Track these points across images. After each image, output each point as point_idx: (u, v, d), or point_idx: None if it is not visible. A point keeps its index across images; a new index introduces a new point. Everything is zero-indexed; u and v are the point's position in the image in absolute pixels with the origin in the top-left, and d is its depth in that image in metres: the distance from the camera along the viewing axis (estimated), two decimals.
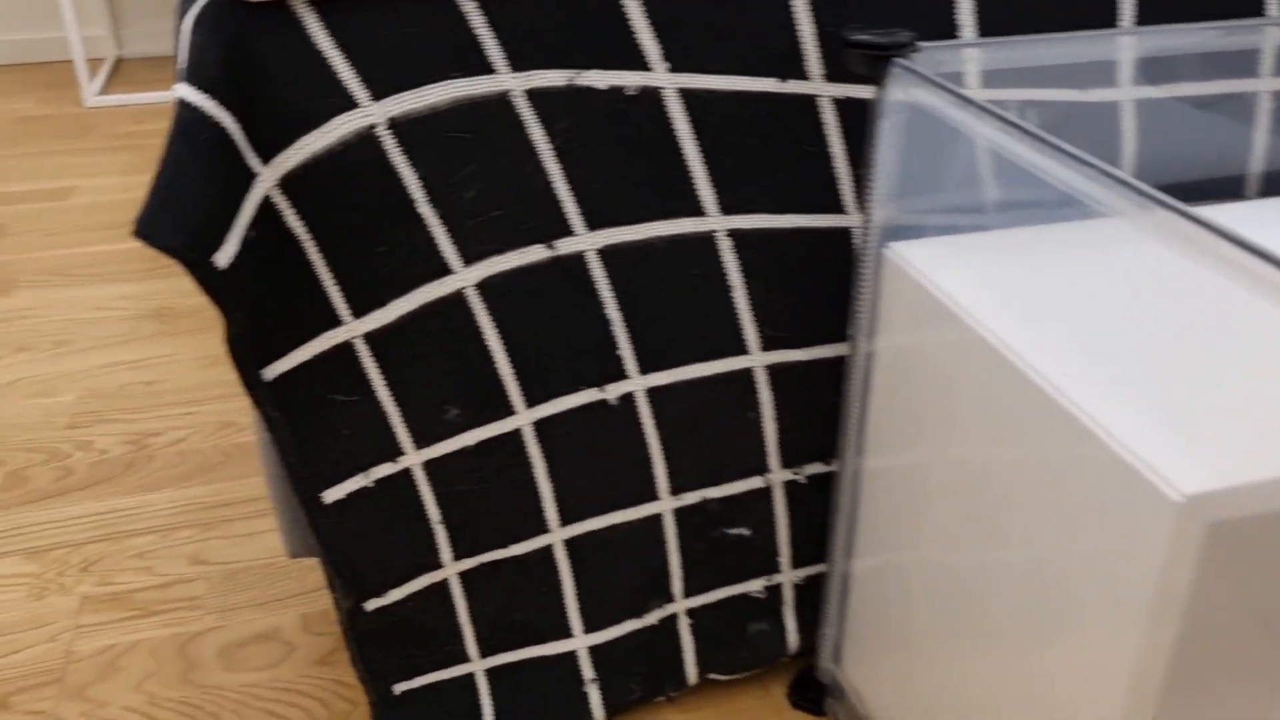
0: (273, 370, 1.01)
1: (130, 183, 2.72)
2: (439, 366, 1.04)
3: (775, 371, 1.12)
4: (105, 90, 3.31)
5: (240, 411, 1.84)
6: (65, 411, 1.85)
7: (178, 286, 2.23)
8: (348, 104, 0.93)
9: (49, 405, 1.86)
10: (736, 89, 1.00)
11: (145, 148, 2.93)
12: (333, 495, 1.08)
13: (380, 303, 1.00)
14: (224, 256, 0.90)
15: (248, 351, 0.98)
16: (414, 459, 1.08)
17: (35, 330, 2.09)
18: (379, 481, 1.08)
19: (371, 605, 1.14)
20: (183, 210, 0.87)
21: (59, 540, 1.57)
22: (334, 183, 0.95)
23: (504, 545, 1.15)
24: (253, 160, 0.93)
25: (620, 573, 1.18)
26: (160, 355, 2.00)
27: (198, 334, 2.06)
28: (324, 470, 1.07)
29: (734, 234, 1.05)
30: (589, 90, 0.98)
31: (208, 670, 1.36)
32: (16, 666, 1.37)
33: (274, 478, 1.13)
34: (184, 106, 0.88)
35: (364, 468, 1.07)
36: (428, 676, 1.18)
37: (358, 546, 1.10)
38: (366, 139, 0.94)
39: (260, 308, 0.97)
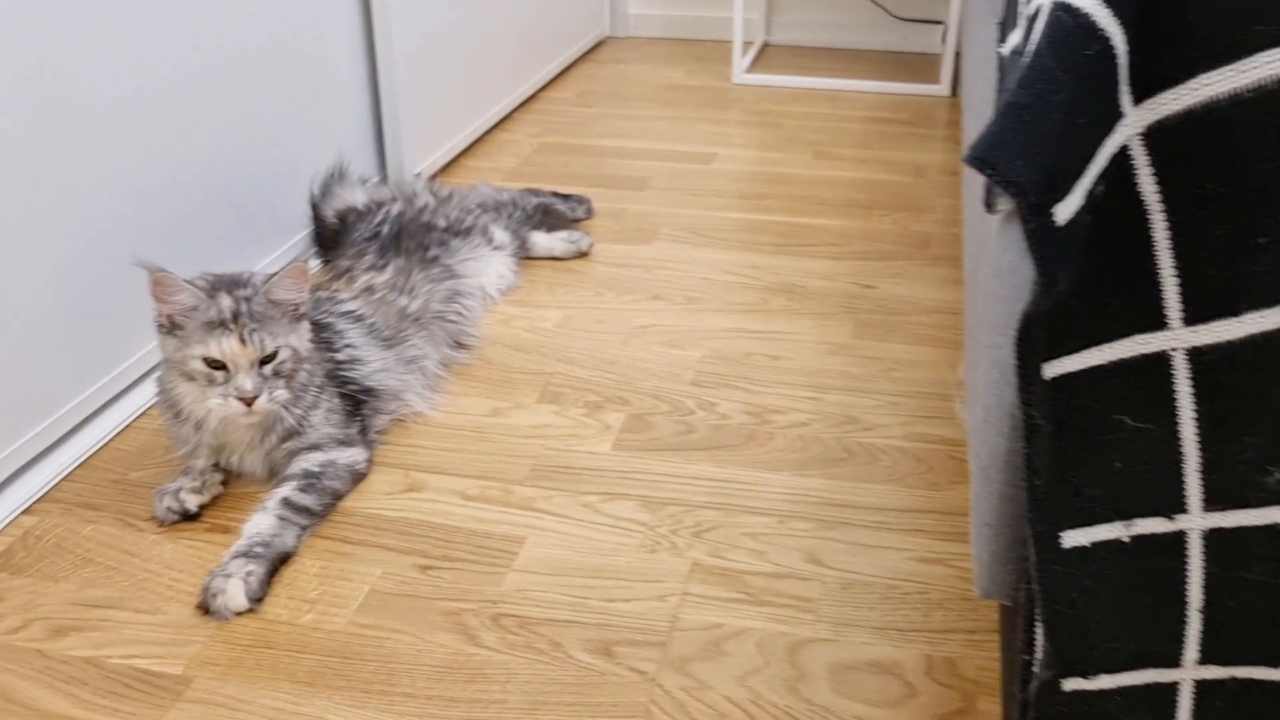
0: (1056, 367, 0.80)
1: (764, 157, 2.70)
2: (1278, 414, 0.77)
3: None
4: (750, 69, 3.36)
5: (865, 409, 1.68)
6: (690, 367, 1.80)
7: (806, 266, 2.14)
8: None
9: (676, 357, 1.83)
10: None
11: (780, 126, 2.91)
12: (1074, 539, 0.85)
13: (1230, 311, 0.75)
14: (1065, 210, 0.70)
15: (1038, 336, 0.78)
16: (1196, 522, 0.82)
17: (670, 282, 2.08)
18: (1138, 539, 0.84)
19: (1070, 685, 0.90)
20: (1038, 139, 0.67)
21: (675, 496, 1.50)
22: (1220, 142, 0.71)
23: (1273, 664, 0.86)
24: (1124, 96, 0.71)
25: None
26: (785, 331, 1.91)
27: (823, 318, 1.94)
28: (1074, 506, 0.84)
29: None
30: None
31: (816, 686, 1.20)
32: (625, 616, 1.30)
33: (992, 495, 0.92)
34: (1066, 11, 0.69)
35: (1126, 516, 0.83)
36: None
37: (1086, 610, 0.87)
38: None
39: (1073, 285, 0.76)
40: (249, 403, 1.40)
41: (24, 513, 1.49)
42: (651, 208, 2.41)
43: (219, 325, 1.39)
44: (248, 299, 1.42)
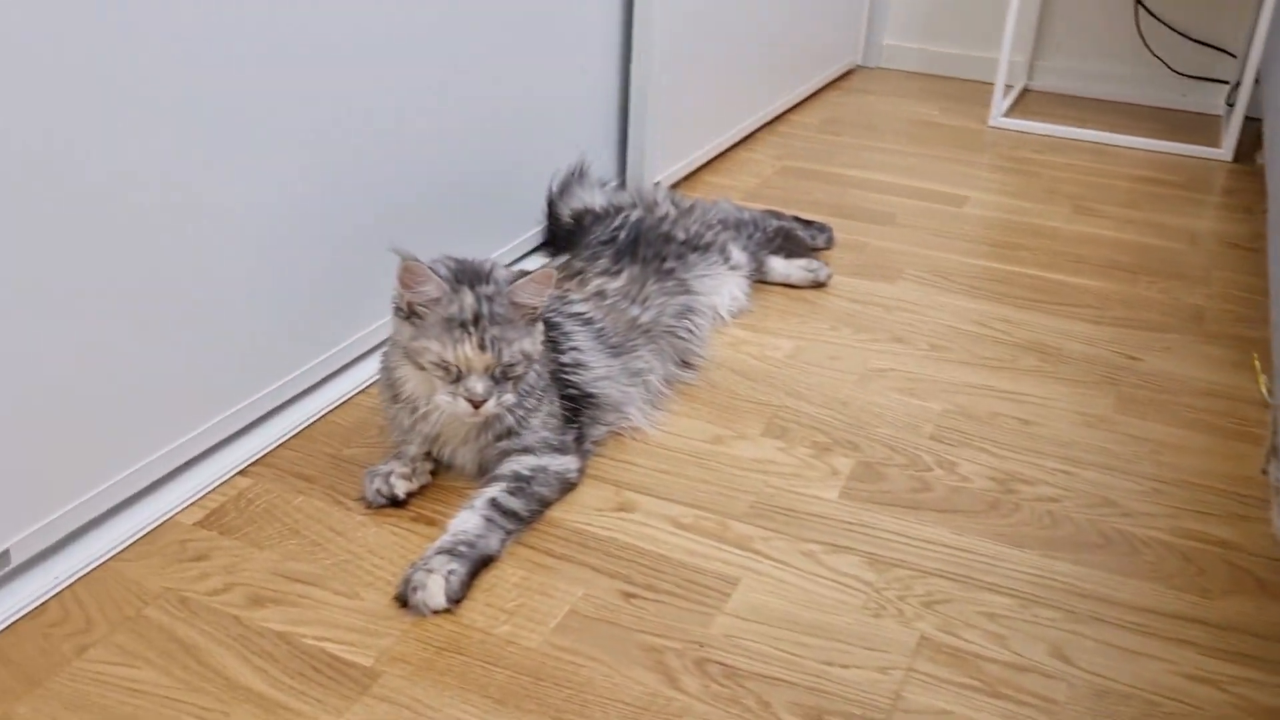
0: None
1: (1019, 206, 2.52)
2: None
3: None
4: (1009, 113, 3.17)
5: (1126, 492, 1.50)
6: (931, 420, 1.66)
7: (1061, 327, 1.96)
8: None
9: (915, 408, 1.69)
10: None
11: (1037, 175, 2.72)
12: None
13: None
14: None
15: None
16: None
17: (912, 326, 1.94)
18: None
19: None
20: None
21: (904, 558, 1.36)
22: None
23: None
24: None
25: None
26: (1037, 395, 1.74)
27: (1080, 386, 1.76)
28: None
29: None
30: None
31: None
32: (842, 684, 1.17)
33: None
34: None
35: None
36: None
37: None
38: None
39: None
40: (477, 405, 1.35)
41: (240, 473, 1.48)
42: (896, 245, 2.28)
43: (458, 325, 1.34)
44: (489, 298, 1.36)
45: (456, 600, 1.26)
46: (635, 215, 1.94)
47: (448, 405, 1.35)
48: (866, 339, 1.89)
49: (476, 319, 1.34)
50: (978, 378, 1.78)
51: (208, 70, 1.34)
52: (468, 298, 1.35)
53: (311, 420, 1.60)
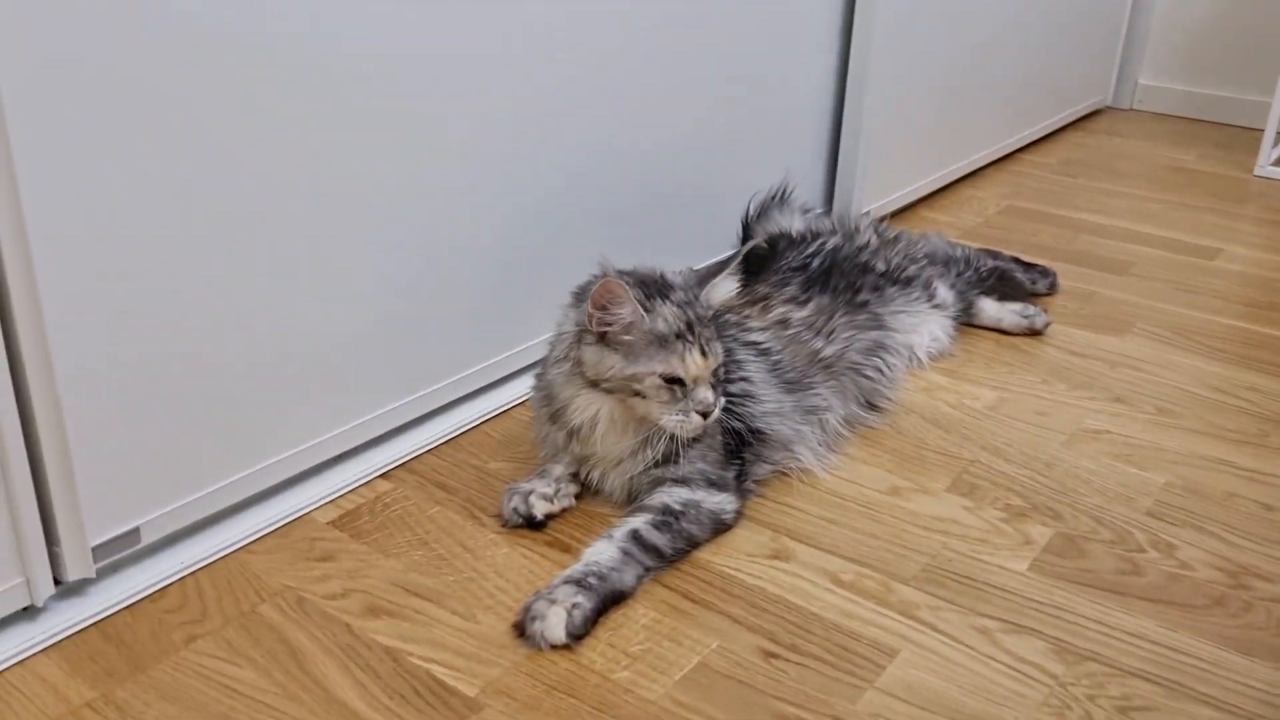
0: None
1: None
2: None
3: None
4: (1278, 163, 2.83)
5: None
6: (1150, 493, 1.43)
7: None
8: None
9: (1132, 478, 1.46)
10: None
11: None
12: None
13: None
14: None
15: None
16: None
17: (1138, 386, 1.71)
18: None
19: None
20: None
21: (1100, 651, 1.16)
22: None
23: None
24: None
25: None
26: None
27: None
28: None
29: None
30: None
31: None
32: None
33: None
34: None
35: None
36: None
37: None
38: None
39: None
40: (707, 416, 1.26)
41: (382, 475, 1.42)
42: (1129, 296, 2.03)
43: (677, 338, 1.26)
44: (689, 304, 1.29)
45: (577, 636, 1.14)
46: (832, 243, 1.80)
47: (680, 424, 1.27)
48: (1082, 396, 1.67)
49: (690, 327, 1.26)
50: (1213, 450, 1.53)
51: (418, 86, 1.30)
52: (670, 309, 1.27)
53: (462, 429, 1.53)
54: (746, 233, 2.00)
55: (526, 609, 1.16)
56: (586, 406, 1.31)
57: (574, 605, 1.15)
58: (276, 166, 1.23)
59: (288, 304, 1.28)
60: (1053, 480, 1.45)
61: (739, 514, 1.35)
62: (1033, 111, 2.89)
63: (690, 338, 1.26)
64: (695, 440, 1.32)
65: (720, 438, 1.36)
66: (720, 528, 1.32)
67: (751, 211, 1.99)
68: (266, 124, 1.20)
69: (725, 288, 1.35)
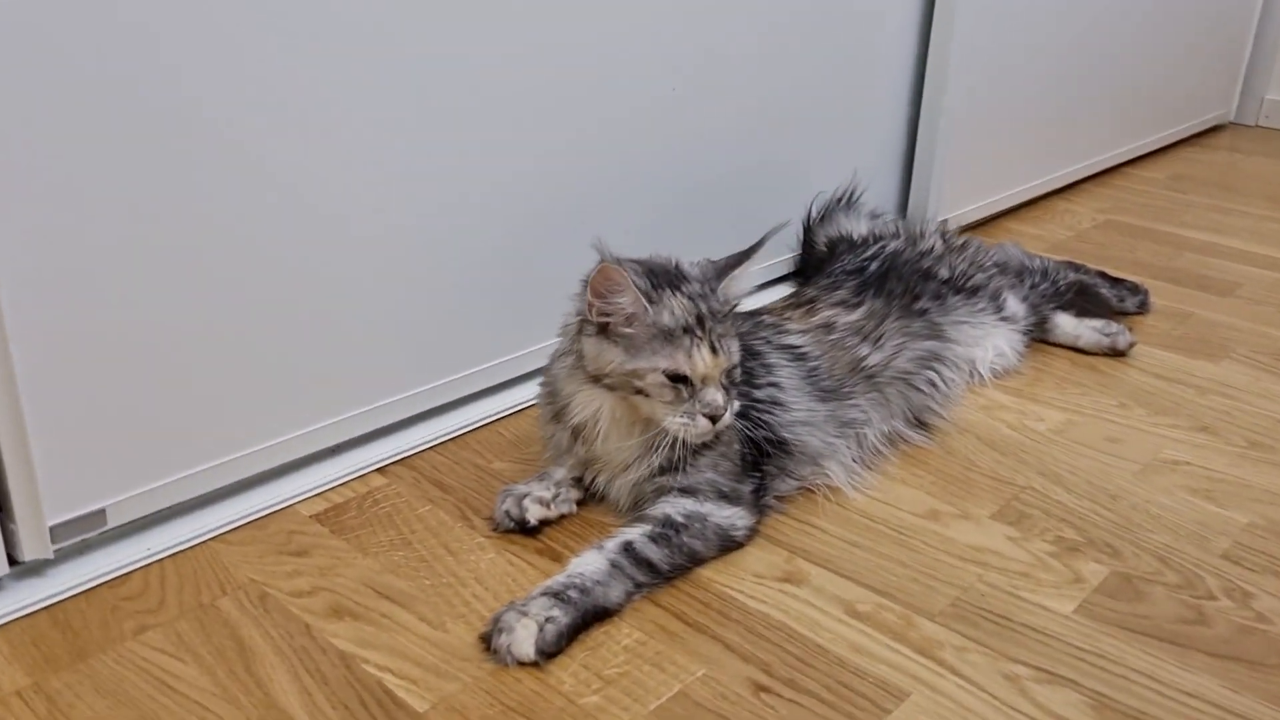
0: None
1: None
2: None
3: None
4: None
5: None
6: (1228, 534, 1.26)
7: None
8: None
9: (1210, 515, 1.29)
10: None
11: None
12: None
13: None
14: None
15: None
16: None
17: (1229, 415, 1.52)
18: None
19: None
20: None
21: (1146, 711, 1.00)
22: None
23: None
24: None
25: None
26: None
27: None
28: None
29: None
30: None
31: None
32: None
33: None
34: None
35: None
36: None
37: None
38: None
39: None
40: (716, 420, 1.15)
41: (378, 470, 1.34)
42: (1230, 319, 1.84)
43: (684, 333, 1.14)
44: (702, 296, 1.17)
45: (548, 654, 1.04)
46: (893, 246, 1.66)
47: (684, 428, 1.16)
48: (1164, 423, 1.49)
49: (700, 321, 1.15)
50: None
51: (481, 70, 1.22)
52: (679, 301, 1.16)
53: (470, 427, 1.44)
54: (808, 236, 1.88)
55: (496, 620, 1.06)
56: (588, 403, 1.21)
57: (548, 619, 1.04)
58: (265, 135, 1.16)
59: (278, 286, 1.21)
60: (1116, 514, 1.29)
61: (752, 531, 1.22)
62: (1142, 123, 2.68)
63: (700, 333, 1.15)
64: (706, 447, 1.21)
65: (737, 446, 1.24)
66: (728, 545, 1.20)
67: (814, 214, 1.87)
68: (266, 90, 1.13)
69: (745, 280, 1.23)
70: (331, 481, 1.30)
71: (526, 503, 1.23)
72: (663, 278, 1.18)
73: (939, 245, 1.69)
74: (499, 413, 1.47)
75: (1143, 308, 1.84)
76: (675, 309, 1.15)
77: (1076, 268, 1.83)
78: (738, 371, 1.20)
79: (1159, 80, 2.65)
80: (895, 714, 0.99)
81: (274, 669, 1.02)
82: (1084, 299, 1.77)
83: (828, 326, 1.46)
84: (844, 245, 1.75)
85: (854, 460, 1.35)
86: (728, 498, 1.21)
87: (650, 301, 1.15)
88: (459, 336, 1.42)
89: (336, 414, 1.32)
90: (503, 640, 1.03)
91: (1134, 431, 1.47)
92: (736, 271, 1.23)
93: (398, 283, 1.33)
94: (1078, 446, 1.43)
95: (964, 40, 1.96)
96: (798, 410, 1.32)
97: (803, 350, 1.40)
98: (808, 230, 1.87)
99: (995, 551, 1.22)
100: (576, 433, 1.23)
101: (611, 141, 1.52)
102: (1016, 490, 1.33)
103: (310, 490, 1.28)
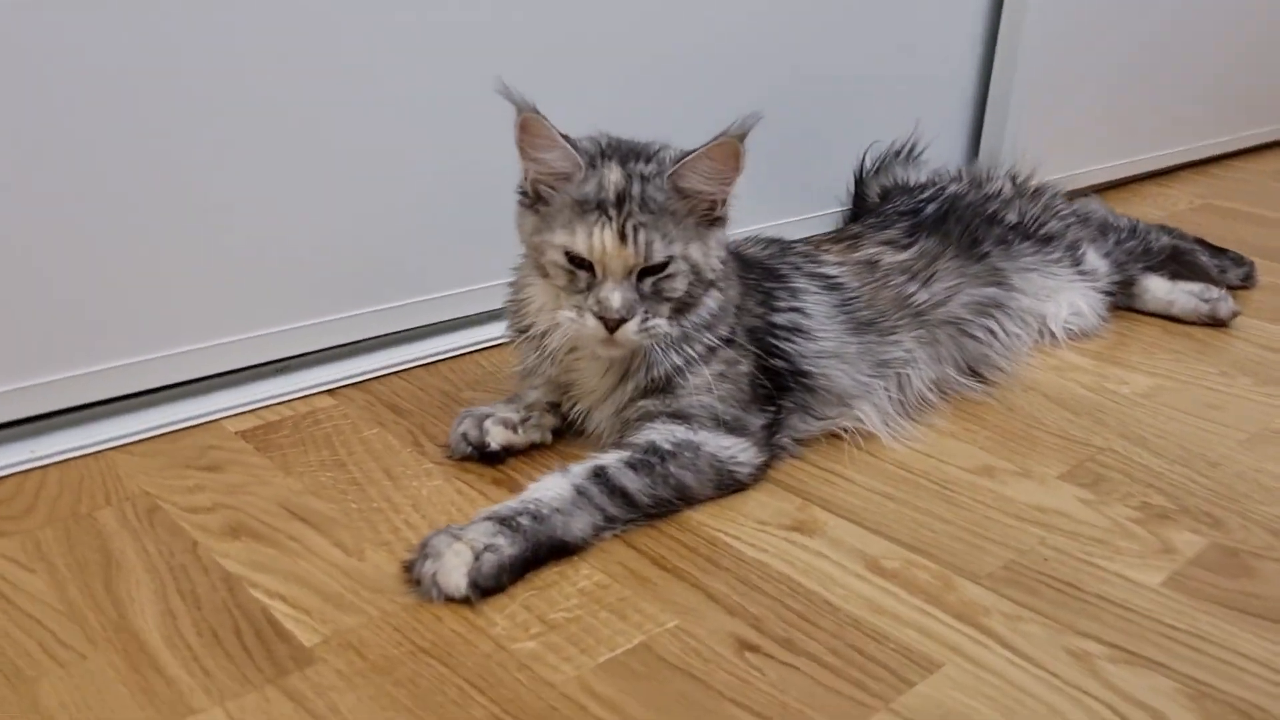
0: None
1: None
2: None
3: None
4: None
5: None
6: None
7: None
8: None
9: None
10: None
11: None
12: None
13: None
14: None
15: None
16: None
17: None
18: None
19: None
20: None
21: (1258, 703, 0.75)
22: None
23: None
24: None
25: None
26: None
27: None
28: None
29: None
30: None
31: None
32: None
33: None
34: None
35: None
36: None
37: None
38: None
39: None
40: (611, 326, 0.92)
41: (328, 391, 1.14)
42: None
43: (595, 208, 0.92)
44: (645, 178, 0.94)
45: (484, 589, 0.82)
46: (954, 189, 1.43)
47: (572, 325, 0.94)
48: (1275, 393, 1.24)
49: (620, 200, 0.93)
50: None
51: None
52: (612, 173, 0.94)
53: (443, 355, 1.23)
54: (859, 189, 1.65)
55: (423, 545, 0.84)
56: (537, 297, 1.00)
57: (487, 548, 0.83)
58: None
59: (214, 155, 1.02)
60: (1216, 481, 1.04)
61: (759, 472, 1.00)
62: (1244, 115, 2.42)
63: (613, 211, 0.92)
64: (702, 364, 0.98)
65: (745, 368, 1.02)
66: (726, 482, 0.97)
67: (868, 166, 1.64)
68: None
69: (703, 170, 0.97)
70: (269, 399, 1.11)
71: (488, 424, 1.02)
72: (620, 151, 0.97)
73: (1008, 189, 1.46)
74: (479, 343, 1.26)
75: (1248, 280, 1.58)
76: (605, 180, 0.93)
77: (1170, 231, 1.58)
78: (678, 285, 0.95)
79: (1263, 71, 2.38)
80: (920, 687, 0.75)
81: (138, 588, 0.82)
82: (1179, 266, 1.52)
83: (871, 264, 1.23)
84: (898, 191, 1.52)
85: (893, 405, 1.12)
86: (730, 427, 0.99)
87: (589, 165, 0.94)
88: (437, 253, 1.22)
89: (279, 324, 1.12)
90: (428, 568, 0.82)
91: (1239, 400, 1.22)
92: (690, 158, 0.97)
93: (370, 187, 1.13)
94: (1169, 410, 1.19)
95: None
96: (825, 340, 1.09)
97: (837, 280, 1.17)
98: (859, 183, 1.64)
99: (1063, 513, 0.97)
100: (541, 342, 1.01)
101: (666, 82, 1.32)
102: (1093, 451, 1.09)
103: (241, 406, 1.09)
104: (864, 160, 1.64)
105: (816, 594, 0.85)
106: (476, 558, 0.82)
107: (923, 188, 1.47)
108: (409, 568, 0.84)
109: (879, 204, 1.55)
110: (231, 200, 1.05)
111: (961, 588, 0.86)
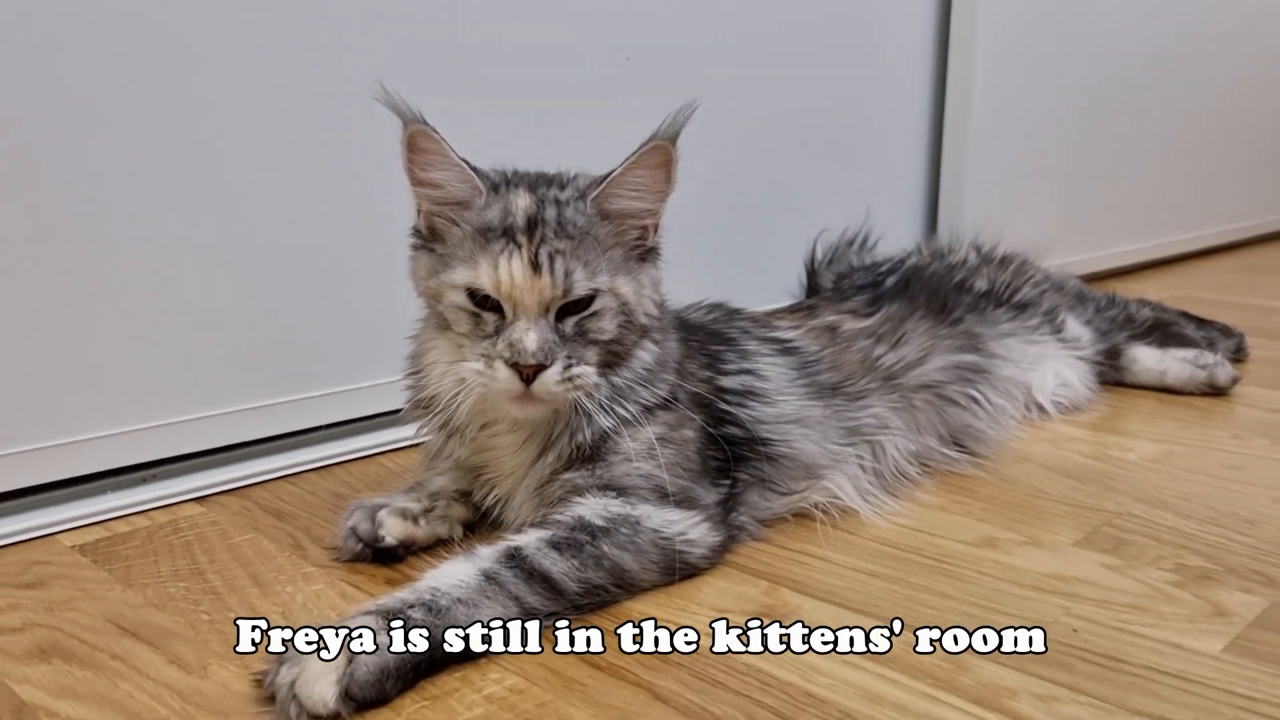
0: None
1: None
2: None
3: None
4: None
5: None
6: None
7: None
8: None
9: None
10: None
11: None
12: None
13: None
14: None
15: None
16: None
17: None
18: None
19: None
20: None
21: None
22: None
23: None
24: None
25: None
26: None
27: None
28: None
29: None
30: None
31: None
32: None
33: None
34: None
35: None
36: None
37: None
38: None
39: None
40: (526, 375, 0.75)
41: (196, 499, 0.96)
42: None
43: (501, 235, 0.77)
44: (560, 202, 0.80)
45: (361, 701, 0.63)
46: (913, 261, 1.30)
47: (478, 377, 0.77)
48: None
49: (531, 226, 0.77)
50: None
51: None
52: (520, 199, 0.79)
53: (348, 457, 1.06)
54: (812, 280, 1.51)
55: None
56: (440, 360, 0.83)
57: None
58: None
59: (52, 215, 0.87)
60: (1259, 539, 0.87)
61: (714, 554, 0.82)
62: (1208, 213, 2.35)
63: (522, 239, 0.77)
64: (632, 427, 0.81)
65: (691, 434, 0.85)
66: (674, 563, 0.79)
67: (819, 257, 1.51)
68: None
69: (631, 184, 0.82)
70: (123, 509, 0.92)
71: (383, 515, 0.83)
72: (528, 179, 0.82)
73: (974, 257, 1.33)
74: (386, 444, 1.09)
75: (1239, 353, 1.45)
76: (512, 204, 0.78)
77: (1150, 304, 1.46)
78: (606, 325, 0.79)
79: (1224, 172, 2.33)
80: None
81: None
82: (1165, 339, 1.39)
83: (831, 329, 1.09)
84: (856, 274, 1.39)
85: (869, 477, 0.95)
86: (676, 500, 0.81)
87: (492, 190, 0.79)
88: (334, 344, 1.06)
89: (140, 422, 0.94)
90: (285, 676, 0.63)
91: (1261, 460, 1.06)
92: (616, 174, 0.83)
93: (252, 281, 0.98)
94: (1186, 473, 1.02)
95: (985, 100, 1.66)
96: (784, 404, 0.93)
97: (794, 343, 1.02)
98: (812, 274, 1.51)
99: (1087, 581, 0.80)
100: (444, 416, 0.84)
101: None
102: (1108, 516, 0.92)
103: (88, 518, 0.90)
104: (815, 249, 1.51)
105: (795, 686, 0.66)
106: (350, 661, 0.63)
107: (879, 264, 1.34)
108: (261, 680, 0.64)
109: (830, 292, 1.42)
110: (92, 277, 0.89)
111: (976, 667, 0.68)
